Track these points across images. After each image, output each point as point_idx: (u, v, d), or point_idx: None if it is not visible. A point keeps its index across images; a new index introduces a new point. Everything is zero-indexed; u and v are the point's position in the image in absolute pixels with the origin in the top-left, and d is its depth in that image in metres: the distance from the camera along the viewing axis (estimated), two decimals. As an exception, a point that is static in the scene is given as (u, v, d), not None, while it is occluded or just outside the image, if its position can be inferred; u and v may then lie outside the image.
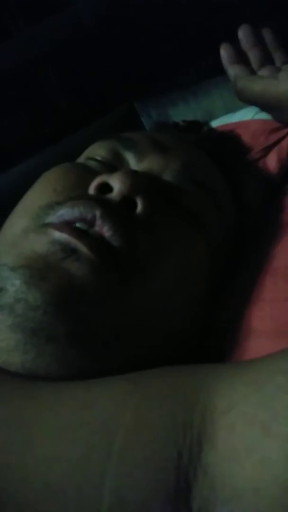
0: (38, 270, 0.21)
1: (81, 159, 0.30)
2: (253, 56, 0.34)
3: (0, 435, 0.17)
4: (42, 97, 0.54)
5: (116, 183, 0.24)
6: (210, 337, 0.27)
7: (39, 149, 0.47)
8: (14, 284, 0.21)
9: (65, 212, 0.23)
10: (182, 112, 0.46)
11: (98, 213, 0.22)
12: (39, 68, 0.52)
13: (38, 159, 0.44)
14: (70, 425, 0.17)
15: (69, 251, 0.21)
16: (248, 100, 0.33)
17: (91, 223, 0.22)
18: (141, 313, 0.23)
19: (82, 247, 0.21)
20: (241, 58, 0.35)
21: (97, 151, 0.29)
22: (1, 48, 0.50)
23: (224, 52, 0.35)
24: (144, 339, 0.23)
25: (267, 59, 0.34)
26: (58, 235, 0.22)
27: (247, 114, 0.39)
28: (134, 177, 0.24)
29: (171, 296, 0.24)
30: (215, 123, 0.42)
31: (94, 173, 0.26)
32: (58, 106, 0.55)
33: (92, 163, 0.28)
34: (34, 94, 0.53)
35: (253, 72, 0.34)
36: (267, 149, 0.35)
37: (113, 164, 0.28)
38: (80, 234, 0.22)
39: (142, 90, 0.53)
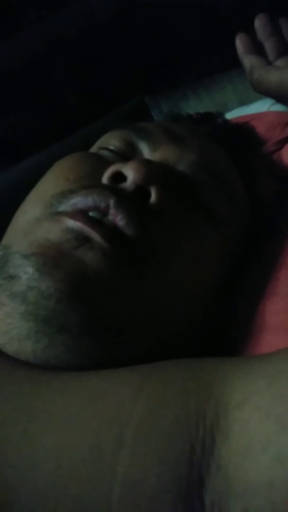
0: (51, 258, 0.21)
1: (94, 149, 0.30)
2: (269, 46, 0.34)
3: (11, 425, 0.17)
4: (53, 91, 0.53)
5: (130, 172, 0.23)
6: (222, 331, 0.27)
7: (49, 143, 0.47)
8: (27, 272, 0.21)
9: (79, 201, 0.23)
10: (193, 106, 0.46)
11: (112, 202, 0.22)
12: (50, 61, 0.52)
13: (49, 153, 0.44)
14: (81, 415, 0.17)
15: (82, 239, 0.21)
16: (264, 91, 0.33)
17: (104, 212, 0.22)
18: (154, 304, 0.22)
19: (95, 236, 0.21)
20: (257, 48, 0.34)
21: (110, 140, 0.29)
22: (12, 41, 0.50)
23: (240, 42, 0.34)
24: (156, 330, 0.23)
25: (284, 50, 0.34)
26: (71, 223, 0.22)
27: (262, 106, 0.38)
28: (148, 166, 0.23)
29: (184, 287, 0.24)
30: (229, 115, 0.41)
31: (107, 163, 0.26)
32: (68, 100, 0.55)
33: (105, 153, 0.28)
34: (44, 88, 0.53)
35: (269, 63, 0.33)
36: (283, 142, 0.35)
37: (127, 154, 0.28)
38: (93, 222, 0.22)
39: (153, 84, 0.53)
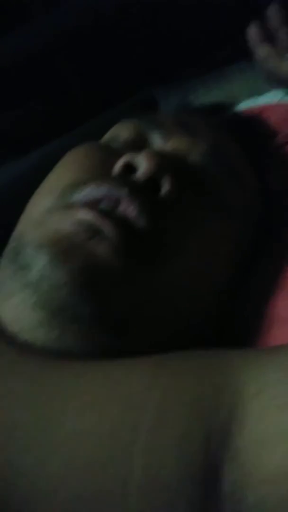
0: (63, 250, 0.21)
1: (104, 140, 0.30)
2: (282, 35, 0.33)
3: (27, 410, 0.17)
4: (58, 84, 0.53)
5: (142, 163, 0.23)
6: (233, 324, 0.27)
7: (53, 137, 0.46)
8: (39, 263, 0.21)
9: (90, 192, 0.23)
10: (203, 98, 0.45)
11: (124, 192, 0.22)
12: (55, 54, 0.51)
13: (54, 146, 0.44)
14: (97, 401, 0.17)
15: (93, 232, 0.21)
16: (276, 81, 0.32)
17: (116, 203, 0.22)
18: (164, 297, 0.23)
19: (106, 228, 0.21)
20: (269, 38, 0.34)
21: (121, 131, 0.28)
22: (17, 33, 0.50)
23: (253, 31, 0.34)
24: (167, 323, 0.23)
25: None
26: (82, 215, 0.22)
27: (274, 97, 0.38)
28: (160, 157, 0.23)
29: (195, 280, 0.24)
30: (240, 107, 0.40)
31: (118, 154, 0.26)
32: (74, 94, 0.55)
33: (116, 144, 0.28)
34: (49, 81, 0.52)
35: (282, 53, 0.33)
36: (295, 134, 0.34)
37: (138, 145, 0.27)
38: (104, 214, 0.22)
39: (161, 76, 0.52)
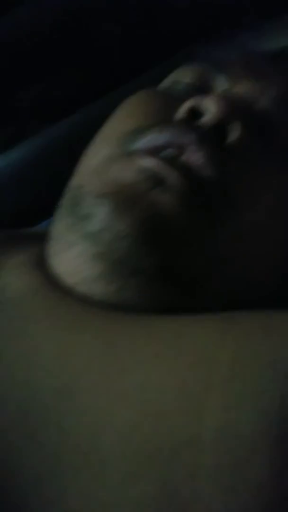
0: (124, 199, 0.20)
1: (163, 86, 0.28)
2: None
3: (94, 361, 0.17)
4: (98, 45, 0.51)
5: (210, 107, 0.21)
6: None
7: (94, 99, 0.45)
8: (99, 213, 0.20)
9: (152, 138, 0.21)
10: (261, 48, 0.42)
11: (191, 138, 0.20)
12: (94, 13, 0.49)
13: (102, 103, 0.42)
14: (165, 355, 0.16)
15: (156, 180, 0.20)
16: None
17: (180, 150, 0.20)
18: (228, 254, 0.21)
19: (171, 177, 0.20)
20: None
21: (183, 74, 0.27)
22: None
23: None
24: (231, 281, 0.22)
25: None
26: (145, 163, 0.20)
27: None
28: (230, 101, 0.21)
29: (262, 240, 0.22)
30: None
31: (179, 99, 0.24)
32: (112, 56, 0.52)
33: (178, 88, 0.26)
34: (90, 42, 0.50)
35: None
36: None
37: (202, 89, 0.25)
38: (169, 162, 0.20)
39: (204, 32, 0.49)
